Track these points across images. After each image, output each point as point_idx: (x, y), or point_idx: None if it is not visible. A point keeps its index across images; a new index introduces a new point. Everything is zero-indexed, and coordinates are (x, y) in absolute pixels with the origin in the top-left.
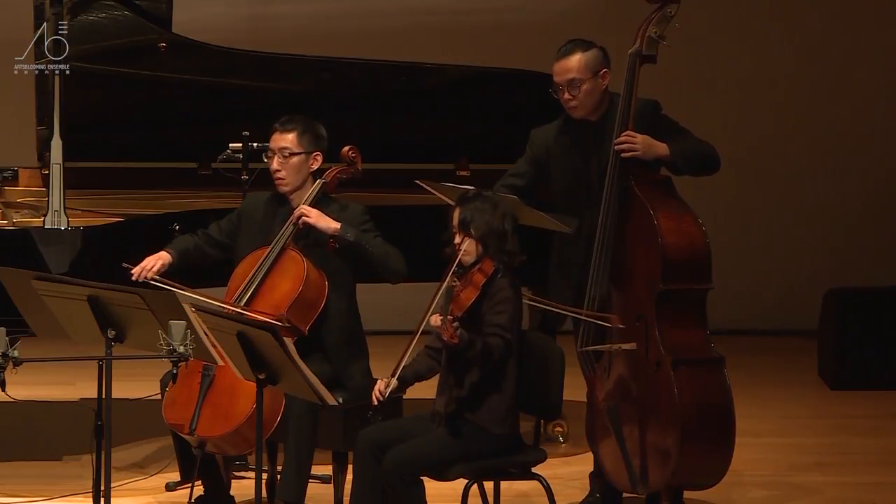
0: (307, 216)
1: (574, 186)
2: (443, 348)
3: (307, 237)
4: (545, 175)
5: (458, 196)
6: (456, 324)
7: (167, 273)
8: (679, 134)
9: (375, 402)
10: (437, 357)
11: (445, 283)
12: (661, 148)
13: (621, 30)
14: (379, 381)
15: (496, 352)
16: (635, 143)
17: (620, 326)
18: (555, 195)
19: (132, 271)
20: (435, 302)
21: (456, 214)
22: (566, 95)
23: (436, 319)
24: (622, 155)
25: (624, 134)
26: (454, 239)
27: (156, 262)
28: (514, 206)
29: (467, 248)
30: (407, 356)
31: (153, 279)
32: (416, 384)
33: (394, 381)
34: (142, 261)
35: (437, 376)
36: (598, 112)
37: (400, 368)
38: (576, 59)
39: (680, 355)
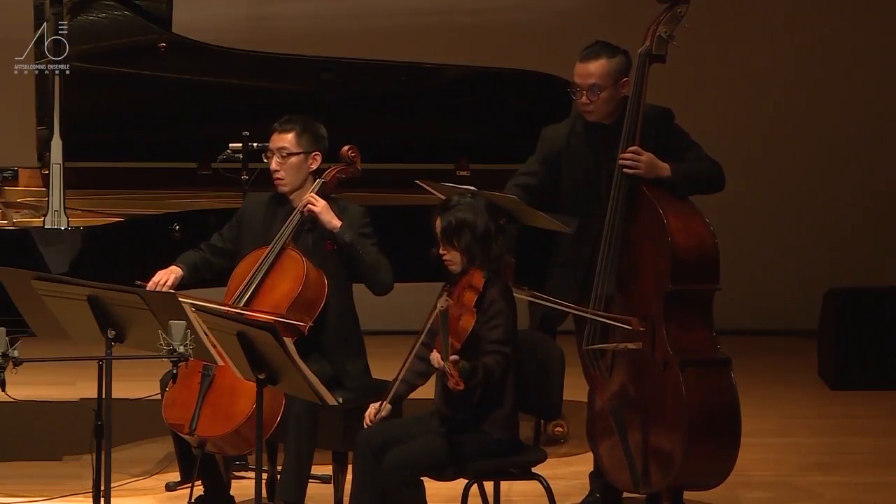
0: (314, 204)
1: (583, 187)
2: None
3: (307, 236)
4: (555, 174)
5: (438, 206)
6: (461, 363)
7: (179, 287)
8: (688, 149)
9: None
10: (428, 357)
11: (438, 306)
12: (664, 169)
13: (622, 30)
14: (371, 407)
15: (497, 370)
16: (639, 161)
17: (641, 329)
18: (564, 194)
19: (146, 287)
20: (429, 325)
21: (437, 224)
22: (584, 99)
23: (436, 358)
24: (624, 170)
25: (630, 150)
26: (439, 248)
27: (168, 275)
28: (513, 206)
29: (452, 257)
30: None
31: None
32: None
33: (386, 406)
34: (148, 269)
35: (436, 377)
36: (612, 117)
37: (393, 391)
38: (600, 65)
39: (688, 356)
